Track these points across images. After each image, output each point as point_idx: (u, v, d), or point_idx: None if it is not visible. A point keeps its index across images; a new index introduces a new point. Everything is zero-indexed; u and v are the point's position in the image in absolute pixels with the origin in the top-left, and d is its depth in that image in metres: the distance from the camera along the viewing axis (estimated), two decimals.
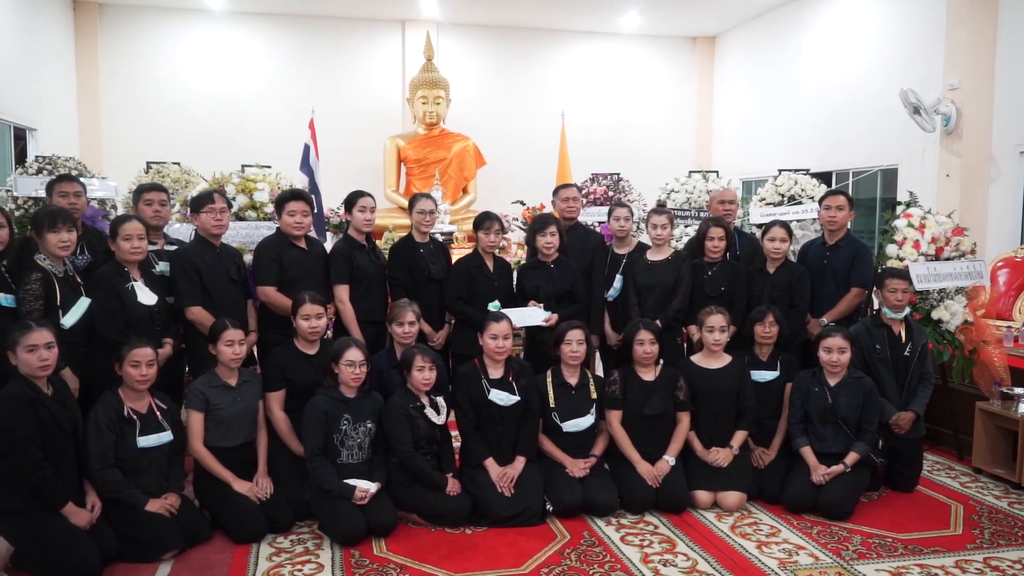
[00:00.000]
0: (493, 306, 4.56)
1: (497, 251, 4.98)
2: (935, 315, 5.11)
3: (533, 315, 4.73)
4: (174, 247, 4.52)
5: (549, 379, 4.35)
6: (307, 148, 7.16)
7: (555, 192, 5.46)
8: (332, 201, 7.23)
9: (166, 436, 3.75)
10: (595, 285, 5.04)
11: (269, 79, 10.72)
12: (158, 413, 3.77)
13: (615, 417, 4.36)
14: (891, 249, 5.18)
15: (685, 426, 4.37)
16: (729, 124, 11.66)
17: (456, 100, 10.55)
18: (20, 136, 8.61)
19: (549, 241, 4.79)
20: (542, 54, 11.53)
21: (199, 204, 4.35)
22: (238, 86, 10.60)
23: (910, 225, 5.17)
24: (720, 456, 4.33)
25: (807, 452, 4.30)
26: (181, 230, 5.20)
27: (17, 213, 5.64)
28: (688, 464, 4.35)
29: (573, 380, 4.35)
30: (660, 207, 5.65)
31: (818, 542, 3.84)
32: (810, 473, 4.22)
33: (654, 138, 11.75)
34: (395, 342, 4.36)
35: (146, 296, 4.02)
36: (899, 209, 5.42)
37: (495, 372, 4.24)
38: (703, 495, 4.25)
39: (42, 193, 5.10)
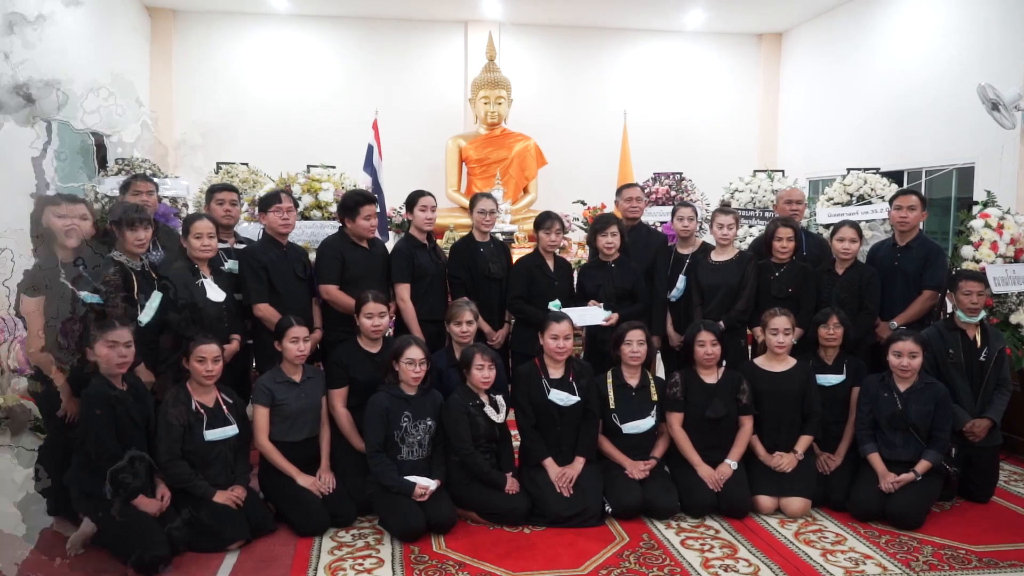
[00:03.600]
0: (554, 305, 4.56)
1: (558, 251, 4.98)
2: (1014, 319, 4.92)
3: (593, 315, 4.71)
4: (243, 245, 4.64)
5: (609, 380, 4.33)
6: (370, 148, 7.27)
7: (618, 192, 5.43)
8: (395, 201, 7.31)
9: (232, 430, 3.86)
10: (658, 286, 5.00)
11: (334, 81, 10.89)
12: (224, 407, 3.87)
13: (676, 419, 4.30)
14: (967, 251, 5.01)
15: (748, 430, 4.29)
16: (796, 122, 11.39)
17: (518, 100, 10.55)
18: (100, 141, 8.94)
19: (610, 241, 4.77)
20: (604, 53, 11.44)
21: (266, 204, 4.45)
22: (303, 88, 10.80)
23: (987, 226, 5.00)
24: (784, 461, 4.24)
25: (875, 459, 4.18)
26: (249, 229, 5.33)
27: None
28: (751, 468, 4.28)
29: (634, 381, 4.32)
30: (726, 207, 5.57)
31: (886, 552, 3.73)
32: (878, 480, 4.10)
33: (718, 137, 11.55)
34: (453, 341, 4.40)
35: (215, 293, 4.13)
36: (976, 209, 5.25)
37: (555, 372, 4.24)
38: (766, 500, 4.17)
39: (116, 192, 5.29)
